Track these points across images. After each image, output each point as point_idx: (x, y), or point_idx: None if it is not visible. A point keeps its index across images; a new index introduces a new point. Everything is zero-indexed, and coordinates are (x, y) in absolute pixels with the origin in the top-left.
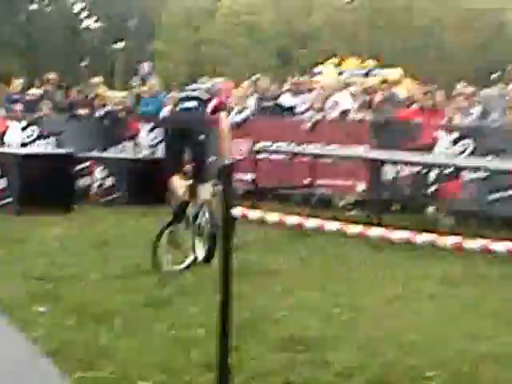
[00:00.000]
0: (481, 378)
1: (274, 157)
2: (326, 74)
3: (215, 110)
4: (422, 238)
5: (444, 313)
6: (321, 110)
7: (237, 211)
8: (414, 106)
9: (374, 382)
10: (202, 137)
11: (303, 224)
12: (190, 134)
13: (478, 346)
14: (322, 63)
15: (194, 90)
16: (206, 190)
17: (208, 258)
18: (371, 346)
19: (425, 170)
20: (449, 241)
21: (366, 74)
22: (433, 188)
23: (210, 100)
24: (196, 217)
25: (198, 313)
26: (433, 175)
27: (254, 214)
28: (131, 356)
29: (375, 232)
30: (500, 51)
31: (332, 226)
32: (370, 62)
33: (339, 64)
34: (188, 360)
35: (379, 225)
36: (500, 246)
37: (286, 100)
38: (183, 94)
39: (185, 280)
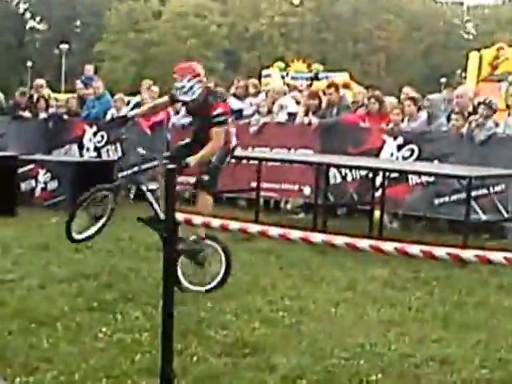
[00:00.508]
0: (425, 381)
1: None
2: (274, 76)
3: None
4: (365, 242)
5: (389, 316)
6: (268, 113)
7: (180, 216)
8: (361, 111)
9: None
10: None
11: (247, 229)
12: None
13: (422, 349)
14: (269, 66)
15: None
16: None
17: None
18: (316, 349)
19: (371, 175)
20: (391, 246)
21: (313, 78)
22: (379, 192)
23: None
24: None
25: (142, 317)
26: (379, 180)
27: (197, 220)
28: (74, 361)
29: (318, 238)
30: (447, 57)
31: (275, 231)
32: (317, 66)
33: (286, 67)
34: (131, 365)
35: (324, 230)
36: (442, 252)
37: (233, 103)
38: None
39: (129, 284)
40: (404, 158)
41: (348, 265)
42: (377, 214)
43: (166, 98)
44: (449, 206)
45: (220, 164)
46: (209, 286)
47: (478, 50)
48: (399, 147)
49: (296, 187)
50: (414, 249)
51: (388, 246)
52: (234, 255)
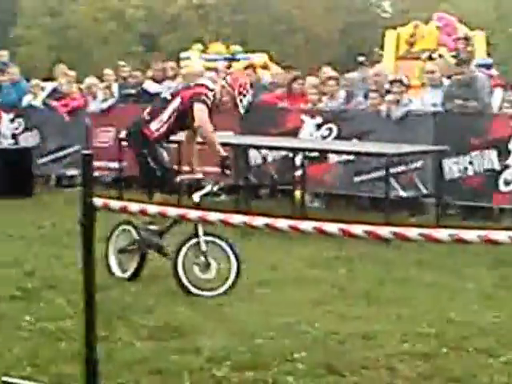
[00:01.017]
0: (349, 357)
1: None
2: (193, 59)
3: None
4: (284, 222)
5: (312, 295)
6: None
7: (98, 201)
8: (279, 91)
9: (243, 366)
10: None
11: (165, 213)
12: None
13: (346, 326)
14: (187, 49)
15: None
16: None
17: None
18: (240, 330)
19: (291, 155)
20: (310, 225)
21: (231, 59)
22: (299, 172)
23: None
24: None
25: (66, 304)
26: (299, 159)
27: (115, 204)
28: None
29: (238, 219)
30: (364, 35)
31: (195, 214)
32: (235, 47)
33: (205, 49)
34: (56, 352)
35: (246, 211)
36: (359, 230)
37: (151, 86)
38: None
39: (52, 271)
40: (323, 138)
41: (270, 245)
42: (298, 193)
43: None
44: (369, 184)
45: None
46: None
47: (395, 27)
48: (318, 126)
49: (217, 169)
50: (333, 227)
51: (307, 226)
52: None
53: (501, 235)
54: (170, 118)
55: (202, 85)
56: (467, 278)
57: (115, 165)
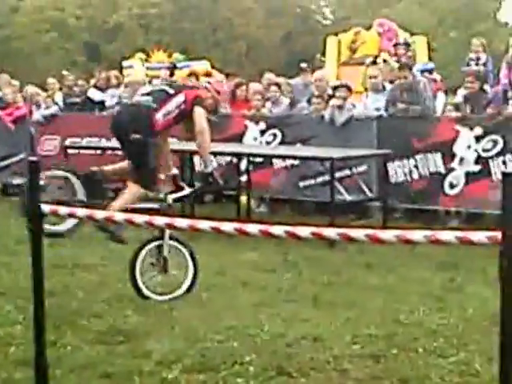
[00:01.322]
0: (298, 359)
1: (84, 152)
2: (136, 67)
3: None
4: (230, 225)
5: (259, 299)
6: None
7: (46, 207)
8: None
9: (193, 369)
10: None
11: (112, 218)
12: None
13: (294, 328)
14: (130, 58)
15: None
16: None
17: None
18: (189, 334)
19: (235, 160)
20: (256, 228)
21: (172, 68)
22: (244, 177)
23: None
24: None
25: (14, 310)
26: (244, 165)
27: (63, 210)
28: None
29: (183, 223)
30: (305, 42)
31: (140, 218)
32: (178, 55)
33: (147, 58)
34: (5, 357)
35: (191, 216)
36: (306, 232)
37: (95, 94)
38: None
39: None
40: (267, 143)
41: (217, 250)
42: (243, 198)
43: None
44: (314, 188)
45: None
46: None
47: (336, 34)
48: (262, 132)
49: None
50: (279, 230)
51: (253, 228)
52: (102, 245)
53: (447, 235)
54: (173, 112)
55: (204, 87)
56: (415, 280)
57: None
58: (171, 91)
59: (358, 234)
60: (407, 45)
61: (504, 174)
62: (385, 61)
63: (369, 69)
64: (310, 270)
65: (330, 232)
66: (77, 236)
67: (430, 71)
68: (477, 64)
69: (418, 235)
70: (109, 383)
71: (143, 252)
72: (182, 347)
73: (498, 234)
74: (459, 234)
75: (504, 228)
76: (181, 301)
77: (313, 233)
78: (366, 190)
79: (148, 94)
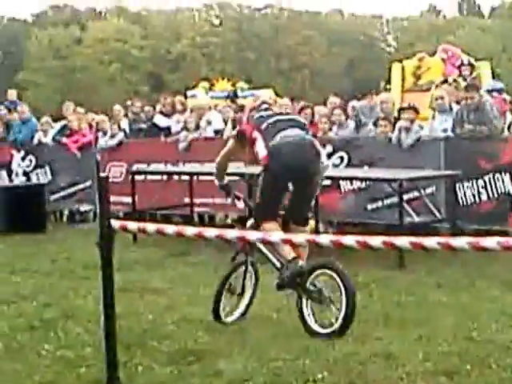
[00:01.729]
0: (371, 376)
1: (151, 178)
2: (200, 97)
3: None
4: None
5: None
6: (195, 129)
7: (116, 223)
8: None
9: None
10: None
11: (183, 232)
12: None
13: (366, 347)
14: (193, 87)
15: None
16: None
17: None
18: (261, 353)
19: None
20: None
21: (231, 96)
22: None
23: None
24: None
25: (84, 333)
26: None
27: (133, 225)
28: (18, 377)
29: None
30: (369, 69)
31: (211, 232)
32: (242, 84)
33: (211, 87)
34: (77, 378)
35: None
36: (376, 241)
37: (161, 120)
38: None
39: (69, 302)
40: (334, 166)
41: None
42: (311, 222)
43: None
44: (382, 211)
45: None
46: (336, 327)
47: (400, 61)
48: (329, 155)
49: (229, 201)
50: (350, 240)
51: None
52: (173, 269)
53: None
54: None
55: None
56: (485, 298)
57: (126, 200)
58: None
59: (430, 242)
60: (472, 66)
61: None
62: (455, 80)
63: (435, 90)
64: (380, 290)
65: (403, 241)
66: (145, 262)
67: (500, 91)
68: None
69: (491, 242)
70: None
71: (232, 276)
72: (254, 366)
73: None
74: None
75: None
76: (252, 321)
77: (384, 242)
78: (434, 211)
79: (291, 126)
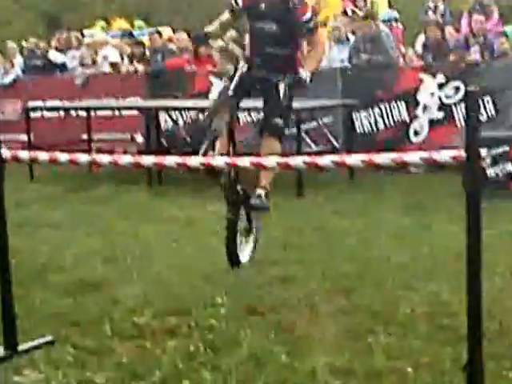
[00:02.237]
0: (269, 299)
1: (47, 115)
2: (98, 36)
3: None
4: (196, 160)
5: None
6: (91, 64)
7: (6, 152)
8: (185, 55)
9: (165, 313)
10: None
11: (75, 160)
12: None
13: (265, 271)
14: (90, 27)
15: None
16: None
17: None
18: (160, 281)
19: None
20: (222, 160)
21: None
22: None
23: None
24: None
25: None
26: None
27: (24, 154)
28: None
29: (148, 160)
30: None
31: (106, 159)
32: (139, 23)
33: (108, 26)
34: None
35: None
36: (272, 161)
37: (56, 57)
38: None
39: None
40: None
41: (186, 203)
42: (210, 154)
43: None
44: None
45: (291, 101)
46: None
47: None
48: None
49: (127, 136)
50: (245, 161)
51: (220, 161)
52: (71, 204)
53: (414, 156)
54: None
55: None
56: (384, 222)
57: (21, 138)
58: None
59: (324, 160)
60: None
61: (466, 92)
62: (354, 12)
63: (331, 21)
64: (279, 217)
65: (297, 160)
66: (40, 197)
67: (395, 20)
68: (434, 12)
69: (385, 158)
70: (79, 331)
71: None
72: (154, 293)
73: (462, 153)
74: (425, 154)
75: (468, 142)
76: (150, 252)
77: (279, 162)
78: (332, 140)
79: None
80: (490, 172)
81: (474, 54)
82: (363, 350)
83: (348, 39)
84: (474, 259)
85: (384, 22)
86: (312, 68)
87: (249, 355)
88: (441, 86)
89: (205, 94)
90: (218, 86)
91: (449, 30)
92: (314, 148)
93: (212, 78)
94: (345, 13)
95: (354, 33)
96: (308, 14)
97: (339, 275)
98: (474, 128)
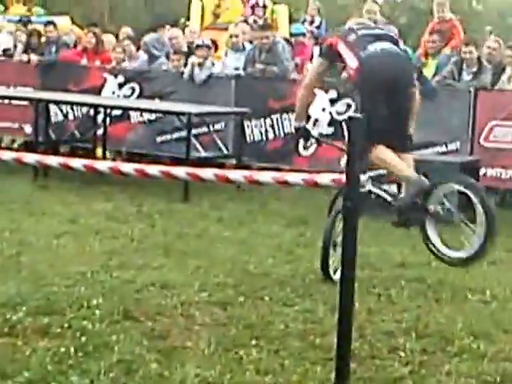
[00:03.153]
0: (146, 304)
1: None
2: None
3: None
4: (79, 162)
5: (111, 247)
6: None
7: None
8: (79, 48)
9: (38, 311)
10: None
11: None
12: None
13: (144, 276)
14: None
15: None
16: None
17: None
18: (37, 278)
19: (92, 112)
20: (105, 165)
21: (25, 22)
22: (101, 130)
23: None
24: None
25: None
26: (101, 117)
27: None
28: None
29: (31, 158)
30: (170, 6)
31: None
32: (38, 9)
33: (5, 10)
34: None
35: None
36: (154, 170)
37: None
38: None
39: None
40: (125, 96)
41: (71, 200)
42: (99, 151)
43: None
44: (171, 144)
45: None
46: (472, 251)
47: None
48: (120, 85)
49: (16, 125)
50: (128, 167)
51: (102, 166)
52: None
53: (294, 177)
54: None
55: None
56: (266, 234)
57: None
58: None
59: (207, 173)
60: (265, 7)
61: (349, 118)
62: (255, 21)
63: (230, 28)
64: (163, 221)
65: (180, 171)
66: None
67: (304, 35)
68: (310, 24)
69: (267, 176)
70: None
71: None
72: (28, 291)
73: (343, 177)
74: (306, 176)
75: (348, 169)
76: (28, 247)
77: (161, 171)
78: (222, 146)
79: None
80: (374, 192)
81: None
82: (234, 363)
83: (244, 47)
84: (347, 277)
85: (292, 35)
86: None
87: (119, 361)
88: (332, 102)
89: (98, 90)
90: (111, 82)
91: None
92: (203, 153)
93: (105, 75)
94: (245, 21)
95: (251, 42)
96: None
97: (218, 285)
98: (355, 153)
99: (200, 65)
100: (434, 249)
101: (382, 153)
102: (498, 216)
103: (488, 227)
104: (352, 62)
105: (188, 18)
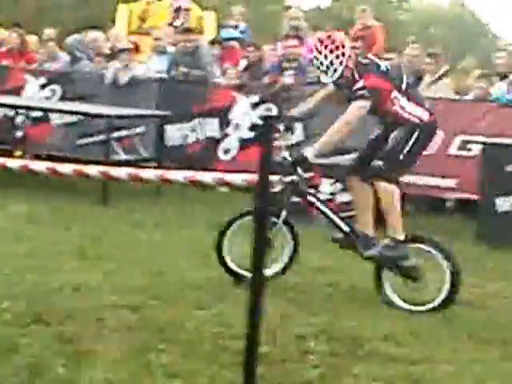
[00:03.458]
0: (57, 307)
1: None
2: None
3: None
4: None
5: (26, 249)
6: None
7: None
8: (3, 49)
9: None
10: None
11: None
12: None
13: (57, 279)
14: None
15: None
16: None
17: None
18: None
19: (11, 114)
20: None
21: None
22: (20, 132)
23: None
24: None
25: None
26: (20, 119)
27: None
28: None
29: None
30: (98, 9)
31: None
32: None
33: None
34: None
35: None
36: (67, 169)
37: None
38: None
39: None
40: (46, 98)
41: None
42: (18, 154)
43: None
44: (91, 147)
45: (400, 146)
46: (430, 306)
47: (128, 2)
48: (42, 87)
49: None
50: (40, 166)
51: (40, 166)
52: None
53: (207, 177)
54: None
55: None
56: (184, 238)
57: None
58: None
59: (120, 172)
60: (188, 10)
61: (264, 118)
62: (182, 25)
63: (154, 31)
64: (80, 224)
65: (92, 170)
66: None
67: (236, 39)
68: (235, 30)
69: (178, 176)
70: None
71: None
72: None
73: (255, 177)
74: (218, 175)
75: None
76: None
77: (74, 170)
78: (141, 150)
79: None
80: (290, 197)
81: (288, 78)
82: (143, 367)
83: (167, 51)
84: (256, 280)
85: (225, 40)
86: (320, 143)
87: (25, 364)
88: (254, 107)
89: (19, 91)
90: (32, 83)
91: (267, 52)
92: (123, 156)
93: (27, 76)
94: (171, 24)
95: (175, 45)
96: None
97: (130, 288)
98: (268, 152)
99: (122, 68)
100: (383, 293)
101: (396, 193)
102: None
103: (452, 285)
104: (419, 112)
105: (113, 22)
